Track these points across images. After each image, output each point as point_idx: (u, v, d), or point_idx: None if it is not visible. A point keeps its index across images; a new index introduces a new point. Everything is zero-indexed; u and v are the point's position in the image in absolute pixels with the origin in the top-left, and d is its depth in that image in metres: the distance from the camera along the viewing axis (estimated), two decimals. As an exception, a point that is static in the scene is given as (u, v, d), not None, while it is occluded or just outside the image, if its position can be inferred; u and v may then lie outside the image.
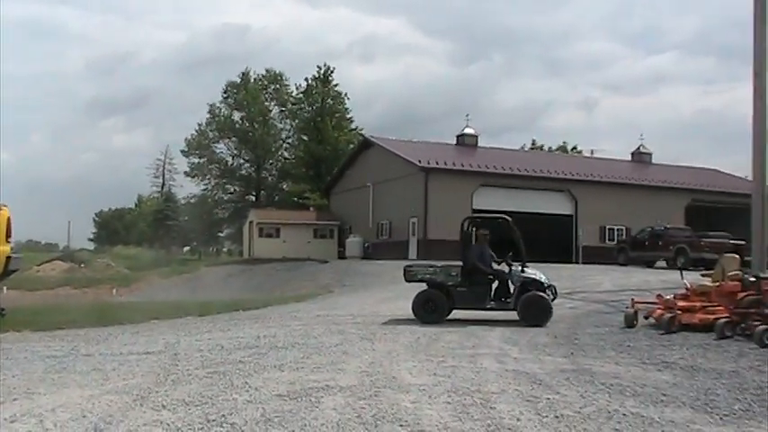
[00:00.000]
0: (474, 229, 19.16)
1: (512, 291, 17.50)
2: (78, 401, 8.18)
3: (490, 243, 18.48)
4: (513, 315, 17.14)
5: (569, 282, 28.82)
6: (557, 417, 7.67)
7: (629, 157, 65.73)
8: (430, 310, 17.55)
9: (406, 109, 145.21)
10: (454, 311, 17.82)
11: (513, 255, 18.13)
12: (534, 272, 17.80)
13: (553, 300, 17.72)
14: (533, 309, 16.88)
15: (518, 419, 7.54)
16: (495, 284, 17.84)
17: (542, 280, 17.58)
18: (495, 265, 18.16)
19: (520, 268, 17.72)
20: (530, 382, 9.53)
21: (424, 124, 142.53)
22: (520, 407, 8.09)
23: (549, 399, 8.51)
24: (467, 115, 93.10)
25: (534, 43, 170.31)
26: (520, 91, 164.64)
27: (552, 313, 16.96)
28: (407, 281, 18.58)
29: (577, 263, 48.40)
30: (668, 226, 42.60)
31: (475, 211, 47.02)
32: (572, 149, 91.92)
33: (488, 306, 17.69)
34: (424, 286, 18.19)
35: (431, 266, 18.61)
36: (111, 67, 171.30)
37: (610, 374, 10.24)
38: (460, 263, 18.11)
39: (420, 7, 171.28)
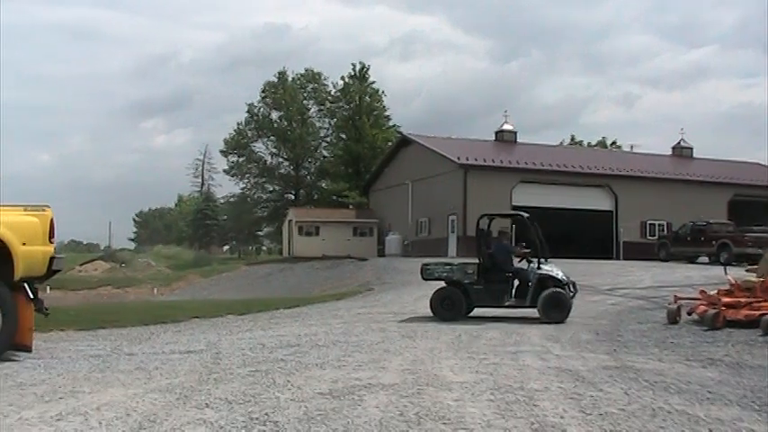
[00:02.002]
0: (489, 225, 19.29)
1: (529, 288, 17.52)
2: (122, 400, 8.22)
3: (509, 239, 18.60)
4: (531, 312, 17.25)
5: (610, 278, 28.66)
6: (601, 414, 7.59)
7: (670, 152, 65.11)
8: (447, 307, 17.76)
9: (444, 106, 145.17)
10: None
11: (532, 251, 18.15)
12: (551, 268, 17.78)
13: (573, 296, 17.72)
14: (553, 305, 16.94)
15: (562, 417, 7.47)
16: (512, 282, 17.91)
17: (559, 276, 17.53)
18: (515, 261, 18.23)
19: (536, 265, 17.73)
20: (573, 380, 9.46)
21: (463, 121, 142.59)
22: (563, 404, 8.02)
23: (592, 396, 8.43)
24: (505, 111, 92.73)
25: (573, 39, 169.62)
26: (559, 87, 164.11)
27: (571, 309, 17.03)
28: (425, 279, 18.88)
29: (618, 259, 48.10)
30: (710, 221, 42.12)
31: (514, 207, 46.86)
32: (611, 145, 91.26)
33: (506, 304, 17.80)
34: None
35: (447, 264, 18.89)
36: (150, 68, 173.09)
37: (654, 371, 10.14)
38: (478, 260, 18.30)
39: (459, 4, 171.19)
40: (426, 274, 18.66)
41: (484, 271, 17.96)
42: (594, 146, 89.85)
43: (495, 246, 18.51)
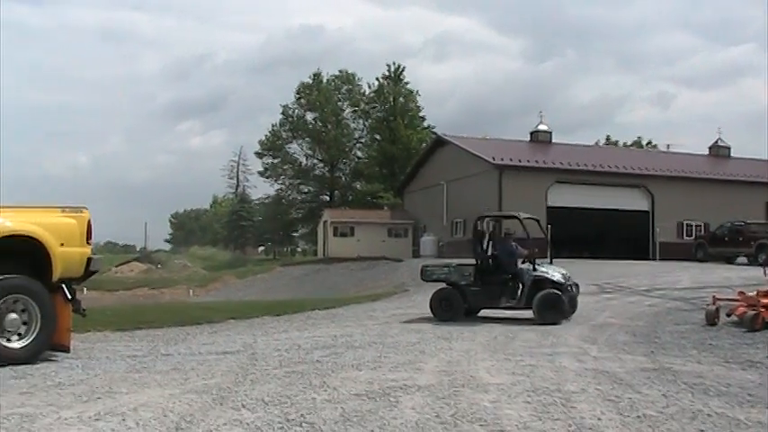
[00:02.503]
0: (489, 227, 19.72)
1: (524, 289, 17.59)
2: (159, 401, 8.26)
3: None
4: (527, 313, 17.39)
5: (647, 279, 28.44)
6: (639, 417, 7.54)
7: (707, 152, 64.46)
8: (445, 308, 18.03)
9: (478, 107, 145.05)
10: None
11: (536, 252, 18.30)
12: (547, 269, 17.86)
13: (575, 296, 17.91)
14: (548, 307, 16.98)
15: (599, 419, 7.42)
16: (515, 283, 17.95)
17: (555, 278, 17.52)
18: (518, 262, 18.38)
19: (531, 266, 17.77)
20: (610, 381, 9.39)
21: (497, 122, 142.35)
22: (601, 406, 7.97)
23: (630, 398, 8.37)
24: (540, 112, 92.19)
25: (608, 38, 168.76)
26: (593, 87, 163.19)
27: (566, 311, 17.07)
28: (424, 280, 19.30)
29: (654, 260, 47.72)
30: (748, 221, 41.63)
31: (550, 207, 46.73)
32: (647, 144, 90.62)
33: (501, 305, 17.93)
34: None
35: (446, 266, 19.17)
36: (186, 70, 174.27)
37: (692, 373, 10.05)
38: (475, 262, 18.51)
39: (493, 5, 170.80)
40: (426, 276, 19.05)
41: (481, 272, 18.15)
42: (630, 146, 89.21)
43: (499, 247, 18.62)
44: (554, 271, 17.87)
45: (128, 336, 15.55)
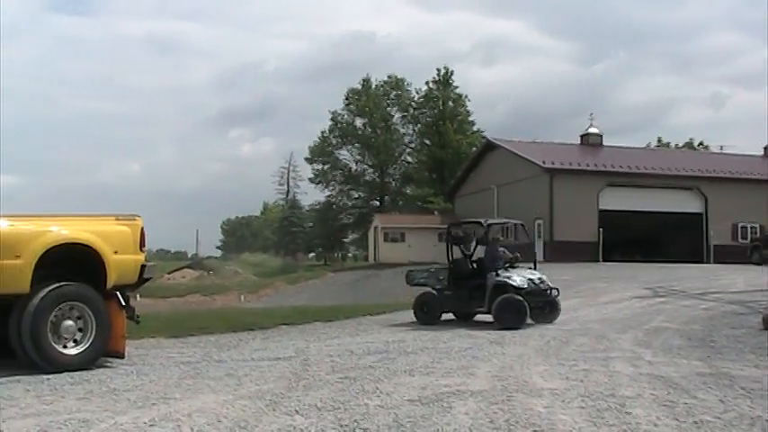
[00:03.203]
0: (453, 232, 19.98)
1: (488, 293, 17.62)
2: (213, 406, 8.31)
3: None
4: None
5: (702, 282, 28.13)
6: (696, 422, 7.44)
7: (761, 152, 63.53)
8: (426, 312, 18.49)
9: (528, 110, 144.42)
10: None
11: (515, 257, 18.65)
12: (510, 274, 17.77)
13: (552, 298, 17.96)
14: (505, 311, 16.94)
15: (655, 425, 7.34)
16: (482, 288, 17.97)
17: (515, 283, 17.42)
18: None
19: (494, 272, 17.77)
20: (666, 386, 9.28)
21: (547, 125, 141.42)
22: (657, 412, 7.87)
23: (686, 403, 8.27)
24: (590, 114, 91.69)
25: (660, 39, 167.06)
26: (644, 88, 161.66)
27: (525, 316, 16.97)
28: (408, 284, 19.69)
29: (708, 262, 47.15)
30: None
31: (602, 211, 46.41)
32: (699, 145, 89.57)
33: (473, 309, 18.23)
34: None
35: (425, 271, 19.61)
36: (236, 78, 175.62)
37: (750, 378, 9.90)
38: (457, 267, 18.80)
39: (542, 8, 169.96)
40: (408, 280, 19.53)
41: (456, 277, 18.39)
42: (682, 147, 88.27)
43: (485, 252, 18.64)
44: (520, 276, 17.75)
45: (181, 342, 15.66)
